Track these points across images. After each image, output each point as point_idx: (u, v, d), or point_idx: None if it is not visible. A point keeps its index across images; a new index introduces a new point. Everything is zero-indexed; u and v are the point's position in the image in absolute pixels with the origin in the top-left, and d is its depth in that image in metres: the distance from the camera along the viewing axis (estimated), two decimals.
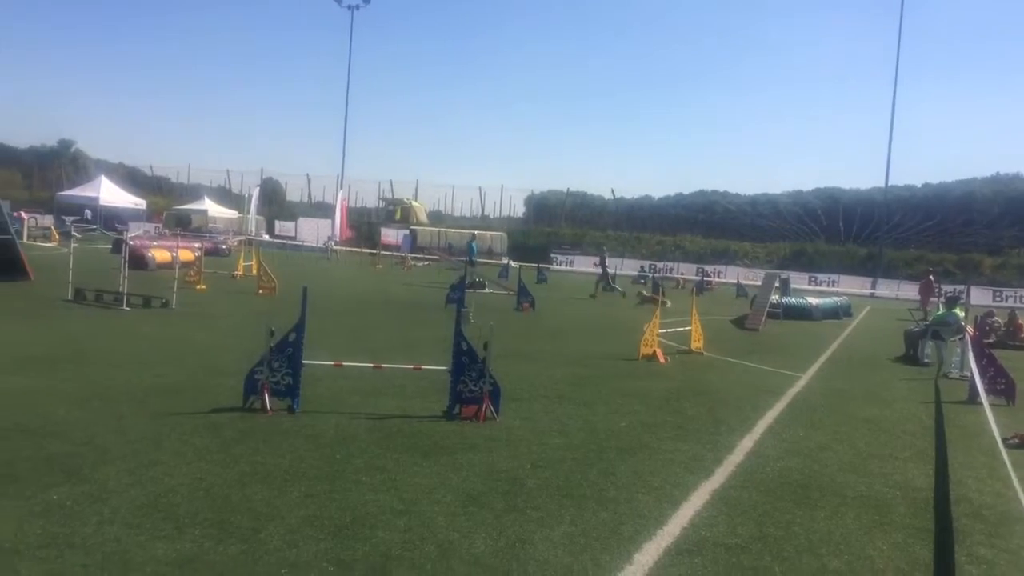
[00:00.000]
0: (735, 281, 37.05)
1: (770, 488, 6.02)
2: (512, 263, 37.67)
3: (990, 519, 5.67)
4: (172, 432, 6.33)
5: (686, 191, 69.19)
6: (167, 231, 44.64)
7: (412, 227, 52.06)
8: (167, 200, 60.97)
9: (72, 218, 45.33)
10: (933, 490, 6.35)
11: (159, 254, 23.75)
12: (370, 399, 8.02)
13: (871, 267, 48.34)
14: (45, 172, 64.81)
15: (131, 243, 20.02)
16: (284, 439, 6.35)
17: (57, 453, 5.60)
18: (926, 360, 14.23)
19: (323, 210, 60.24)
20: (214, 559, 4.07)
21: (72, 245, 17.41)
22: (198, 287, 19.01)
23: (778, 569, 4.50)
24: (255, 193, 56.01)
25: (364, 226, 57.70)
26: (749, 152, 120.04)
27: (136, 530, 4.35)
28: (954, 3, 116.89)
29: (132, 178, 64.77)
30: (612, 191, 65.35)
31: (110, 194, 50.53)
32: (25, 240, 30.67)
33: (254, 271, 21.98)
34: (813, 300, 24.78)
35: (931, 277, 28.74)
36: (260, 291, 19.00)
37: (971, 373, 10.05)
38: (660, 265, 49.11)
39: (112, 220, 47.75)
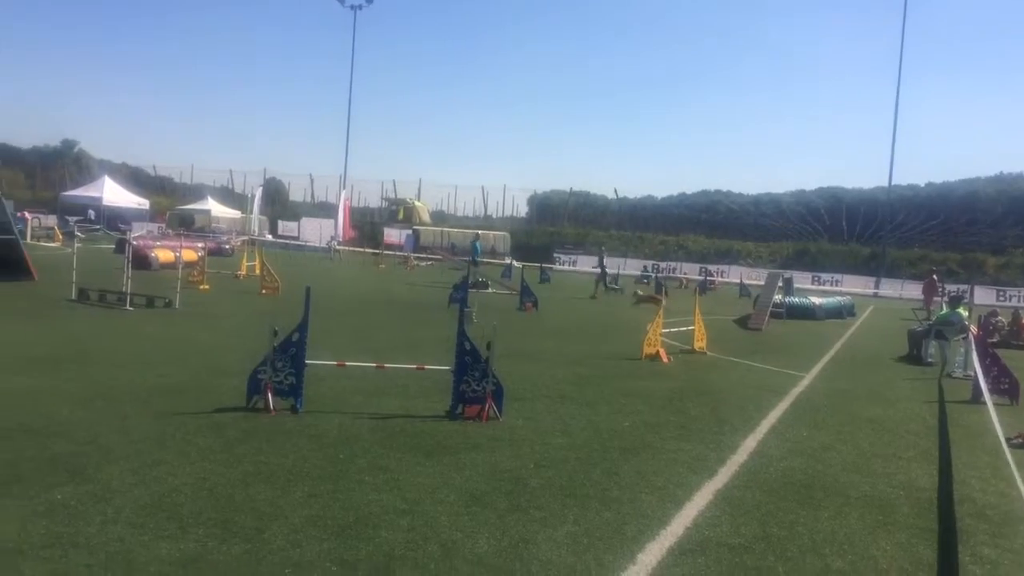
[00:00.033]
0: (738, 281, 37.01)
1: (773, 488, 6.02)
2: (515, 263, 37.67)
3: (994, 519, 5.66)
4: (176, 432, 6.34)
5: (689, 191, 69.18)
6: (170, 231, 44.66)
7: (415, 227, 52.04)
8: (170, 200, 61.03)
9: (75, 218, 45.43)
10: (937, 490, 6.34)
11: (162, 254, 23.78)
12: (373, 399, 8.03)
13: (874, 267, 48.23)
14: (48, 172, 64.95)
15: (134, 243, 20.08)
16: (287, 439, 6.36)
17: (61, 453, 5.62)
18: (930, 360, 14.21)
19: (326, 210, 60.27)
20: (218, 559, 4.07)
21: (75, 245, 17.43)
22: (201, 287, 19.04)
23: (782, 569, 4.49)
24: (258, 193, 56.09)
25: (367, 226, 57.75)
26: (752, 152, 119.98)
27: (140, 530, 4.35)
28: (957, 2, 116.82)
29: (135, 178, 64.83)
30: (615, 191, 65.28)
31: (113, 194, 50.59)
32: (29, 240, 30.77)
33: (257, 271, 21.96)
34: (816, 300, 24.74)
35: (934, 277, 28.72)
36: (263, 291, 19.03)
37: (975, 373, 10.03)
38: (663, 265, 49.05)
39: (115, 220, 47.87)
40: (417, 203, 59.73)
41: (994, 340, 17.02)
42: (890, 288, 44.38)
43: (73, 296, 14.99)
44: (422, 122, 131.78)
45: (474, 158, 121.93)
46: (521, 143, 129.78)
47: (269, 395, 7.17)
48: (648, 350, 12.34)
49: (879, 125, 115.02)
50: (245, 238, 42.15)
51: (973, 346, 10.95)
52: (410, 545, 4.42)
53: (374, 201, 67.39)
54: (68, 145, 72.16)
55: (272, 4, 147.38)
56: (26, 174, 65.00)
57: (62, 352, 9.59)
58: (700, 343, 13.68)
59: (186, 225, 48.22)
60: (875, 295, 43.06)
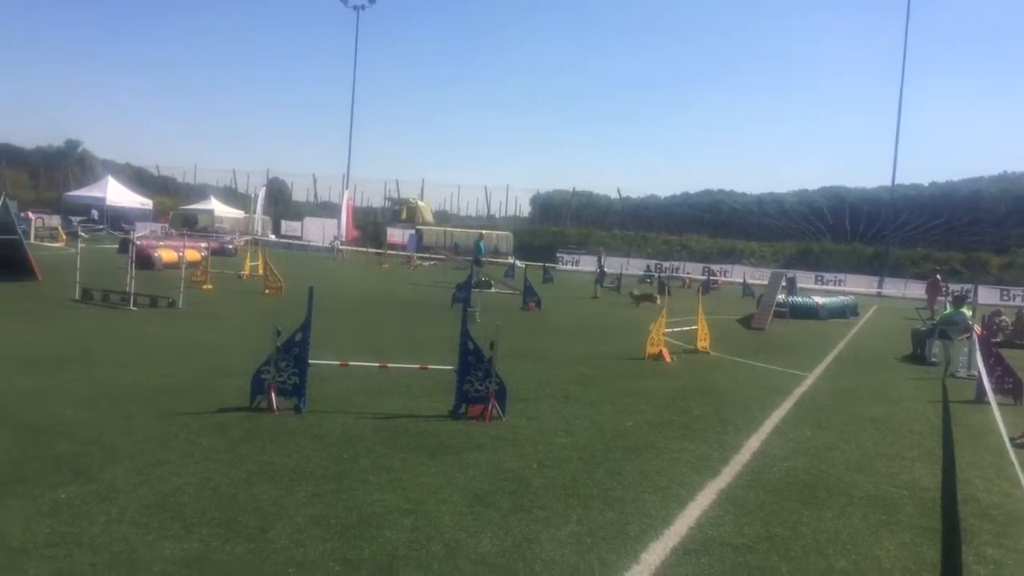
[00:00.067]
0: (741, 280, 36.97)
1: (777, 488, 6.01)
2: (518, 263, 37.67)
3: (998, 519, 5.65)
4: (179, 432, 6.35)
5: (692, 190, 69.09)
6: (173, 231, 44.77)
7: (418, 227, 52.06)
8: (173, 200, 61.11)
9: (79, 218, 45.45)
10: (940, 490, 6.33)
11: (166, 254, 23.79)
12: (376, 399, 8.03)
13: (878, 266, 48.15)
14: (52, 172, 65.02)
15: (138, 243, 20.08)
16: (291, 439, 6.36)
17: (65, 452, 5.63)
18: (933, 359, 14.18)
19: (329, 210, 60.31)
20: (221, 558, 4.08)
21: (79, 245, 17.46)
22: (204, 287, 19.06)
23: (785, 569, 4.49)
24: (261, 193, 56.15)
25: (370, 226, 57.76)
26: (755, 151, 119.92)
27: (143, 529, 4.36)
28: (960, 1, 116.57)
29: (138, 178, 64.92)
30: (618, 190, 65.28)
31: (117, 194, 50.64)
32: (32, 240, 30.80)
33: (260, 271, 21.98)
34: (819, 299, 24.70)
35: (938, 276, 28.67)
36: (266, 291, 19.05)
37: (978, 372, 10.01)
38: (666, 264, 49.03)
39: (119, 220, 47.90)
40: (420, 203, 59.72)
41: (998, 340, 16.96)
42: (893, 288, 44.31)
43: (77, 296, 15.02)
44: (425, 122, 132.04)
45: (477, 158, 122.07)
46: (524, 143, 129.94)
47: (272, 395, 7.18)
48: (651, 350, 12.33)
49: (882, 124, 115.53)
50: (248, 238, 42.20)
51: (977, 346, 10.93)
52: (413, 545, 4.42)
53: (377, 201, 67.57)
54: (72, 145, 72.27)
55: (275, 4, 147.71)
56: (30, 174, 65.12)
57: (66, 352, 9.61)
58: (703, 343, 13.67)
59: (189, 225, 48.26)
60: (878, 295, 42.98)
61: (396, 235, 52.33)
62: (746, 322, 19.95)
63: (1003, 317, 19.77)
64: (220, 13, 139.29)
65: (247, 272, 23.30)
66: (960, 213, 51.81)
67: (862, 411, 9.38)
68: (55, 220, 45.05)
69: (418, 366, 8.52)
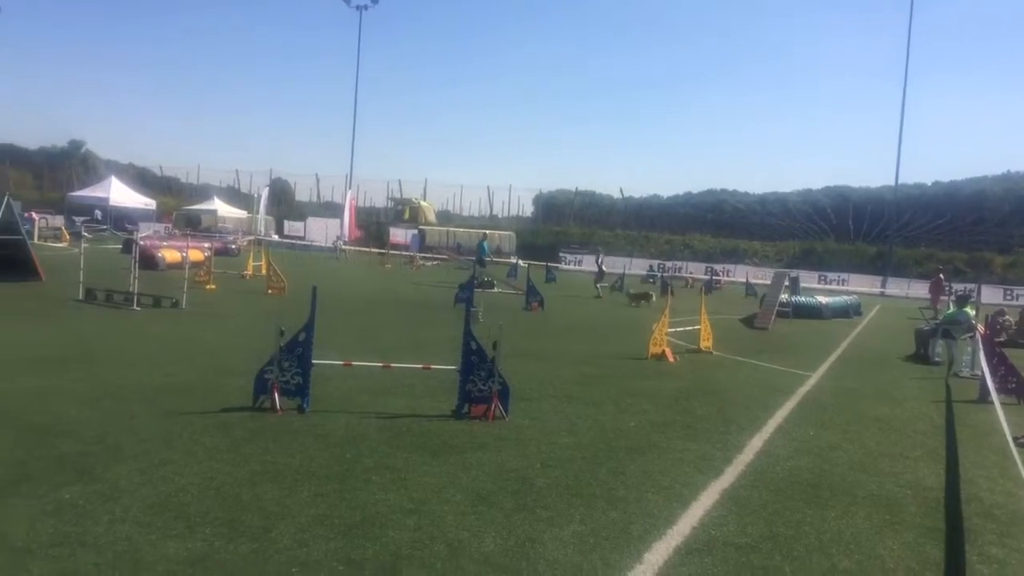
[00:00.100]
0: (744, 280, 36.94)
1: (780, 487, 6.01)
2: (521, 262, 37.66)
3: (1001, 518, 5.64)
4: (183, 431, 6.36)
5: (695, 190, 69.16)
6: (177, 231, 44.80)
7: (421, 227, 52.09)
8: (177, 200, 61.25)
9: (82, 218, 45.52)
10: (944, 489, 6.32)
11: (169, 254, 23.84)
12: (379, 398, 8.04)
13: (881, 266, 48.12)
14: (56, 173, 65.18)
15: (141, 243, 20.12)
16: (294, 438, 6.37)
17: (69, 452, 5.64)
18: (937, 359, 14.16)
19: (332, 210, 60.36)
20: (224, 558, 4.09)
21: (83, 245, 17.50)
22: (208, 287, 19.09)
23: (788, 568, 4.49)
24: (264, 193, 56.23)
25: (373, 226, 57.83)
26: (758, 151, 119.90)
27: (147, 529, 4.37)
28: (963, 0, 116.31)
29: (142, 178, 65.07)
30: (621, 190, 65.20)
31: (120, 194, 50.79)
32: (36, 241, 30.87)
33: (263, 271, 22.03)
34: (823, 299, 24.69)
35: (941, 276, 28.65)
36: (269, 291, 19.06)
37: (982, 372, 10.00)
38: (669, 264, 49.00)
39: (122, 220, 48.00)
40: (423, 203, 59.73)
41: (1001, 339, 16.94)
42: (897, 287, 44.28)
43: (80, 296, 15.04)
44: (428, 122, 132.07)
45: (480, 158, 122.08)
46: (527, 143, 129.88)
47: (276, 395, 7.19)
48: (654, 349, 12.33)
49: (886, 124, 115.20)
50: (251, 238, 42.21)
51: (980, 345, 10.91)
52: (417, 544, 4.43)
53: (380, 201, 67.59)
54: (75, 146, 72.49)
55: (278, 4, 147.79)
56: (33, 175, 65.27)
57: (69, 352, 9.63)
58: (706, 342, 13.67)
59: (192, 225, 48.37)
60: (882, 294, 42.94)
61: (399, 235, 52.38)
62: (749, 322, 19.94)
63: (1007, 317, 19.74)
64: (223, 13, 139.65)
65: (250, 272, 23.33)
66: (964, 213, 51.72)
67: (865, 411, 9.37)
68: (59, 220, 45.18)
69: (421, 366, 8.53)
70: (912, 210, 52.41)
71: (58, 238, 36.67)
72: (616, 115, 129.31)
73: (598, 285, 27.38)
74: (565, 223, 61.16)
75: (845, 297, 26.66)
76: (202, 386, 8.15)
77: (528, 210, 68.51)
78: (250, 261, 24.39)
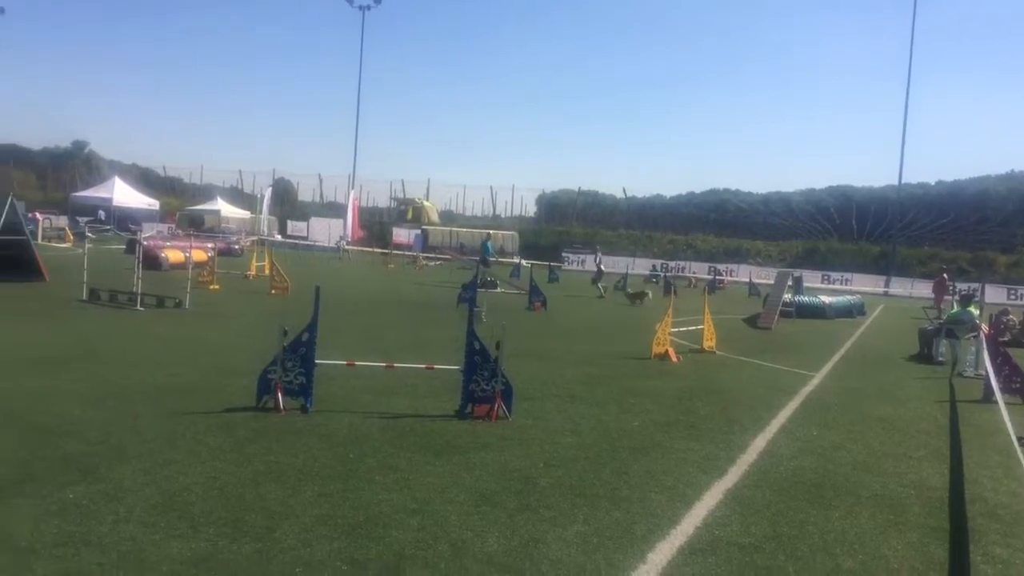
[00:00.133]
0: (747, 280, 36.91)
1: (784, 487, 6.00)
2: (524, 262, 37.66)
3: (1005, 518, 5.63)
4: (186, 431, 6.37)
5: (698, 190, 69.15)
6: (180, 231, 44.88)
7: (424, 227, 52.12)
8: (180, 200, 61.32)
9: (86, 219, 45.67)
10: (948, 489, 6.31)
11: (172, 254, 23.89)
12: (383, 398, 8.04)
13: (884, 265, 48.03)
14: (59, 173, 65.27)
15: (144, 243, 20.16)
16: (297, 438, 6.38)
17: (73, 452, 5.65)
18: (940, 359, 14.14)
19: (335, 210, 60.42)
20: (228, 558, 4.09)
21: (86, 246, 17.53)
22: (211, 287, 19.11)
23: (792, 569, 4.48)
24: (267, 193, 56.32)
25: (376, 226, 57.85)
26: (761, 150, 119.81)
27: (151, 529, 4.38)
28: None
29: (145, 179, 65.18)
30: (624, 190, 65.25)
31: (123, 195, 50.87)
32: (40, 241, 30.94)
33: (267, 271, 22.06)
34: (826, 299, 24.65)
35: (945, 275, 28.61)
36: (273, 291, 19.08)
37: (986, 372, 9.98)
38: (672, 264, 48.95)
39: (126, 221, 48.02)
40: (426, 203, 59.76)
41: (1005, 339, 16.92)
42: (900, 287, 44.20)
43: (84, 296, 15.07)
44: (431, 122, 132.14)
45: (483, 158, 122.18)
46: (529, 143, 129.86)
47: (279, 395, 7.19)
48: (657, 349, 12.32)
49: (889, 123, 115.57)
50: (254, 238, 42.29)
51: (984, 345, 10.89)
52: (420, 544, 4.43)
53: (383, 201, 67.59)
54: (78, 146, 72.59)
55: (281, 4, 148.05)
56: (37, 175, 65.37)
57: (73, 352, 9.65)
58: (709, 342, 13.65)
59: (196, 225, 48.45)
60: (885, 294, 42.89)
61: (402, 235, 52.42)
62: (752, 322, 19.93)
63: (1010, 316, 19.71)
64: (225, 13, 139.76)
65: (253, 272, 23.35)
66: (967, 212, 51.67)
67: (869, 410, 9.36)
68: (62, 221, 45.17)
69: (424, 366, 8.53)
70: (915, 210, 52.33)
71: (62, 238, 36.75)
72: (619, 115, 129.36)
73: (598, 285, 27.38)
74: (568, 223, 61.12)
75: (848, 297, 26.61)
76: (206, 386, 8.16)
77: (531, 210, 68.52)
78: (253, 261, 24.41)
